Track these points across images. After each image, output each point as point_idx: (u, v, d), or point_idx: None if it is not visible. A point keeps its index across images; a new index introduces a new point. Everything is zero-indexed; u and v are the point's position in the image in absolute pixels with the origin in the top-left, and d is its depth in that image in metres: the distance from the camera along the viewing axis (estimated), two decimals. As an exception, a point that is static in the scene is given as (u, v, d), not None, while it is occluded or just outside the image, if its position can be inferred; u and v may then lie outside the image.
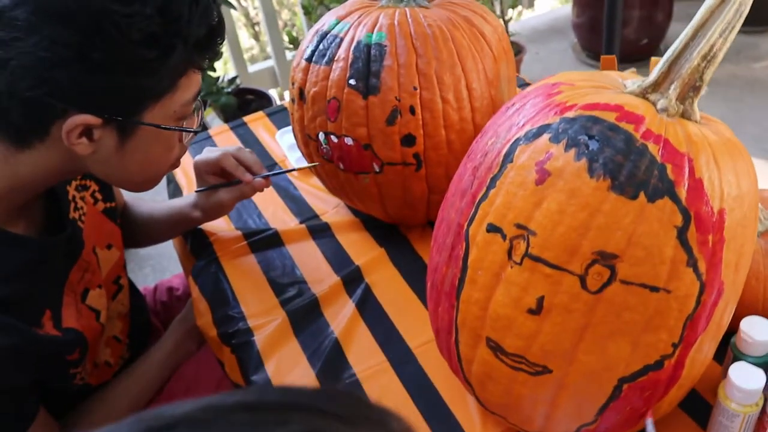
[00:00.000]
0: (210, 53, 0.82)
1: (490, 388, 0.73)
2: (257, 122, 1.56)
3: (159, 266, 2.32)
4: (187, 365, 1.14)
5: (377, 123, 0.99)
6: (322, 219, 1.23)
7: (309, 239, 1.19)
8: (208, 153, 1.10)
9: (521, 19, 3.73)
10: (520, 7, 3.50)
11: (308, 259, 1.15)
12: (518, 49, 2.95)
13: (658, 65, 0.68)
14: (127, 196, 1.23)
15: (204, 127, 1.65)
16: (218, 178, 1.10)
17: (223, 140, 1.50)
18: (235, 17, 2.93)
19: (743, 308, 0.79)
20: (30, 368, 0.84)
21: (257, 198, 1.29)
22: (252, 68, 2.99)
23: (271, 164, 1.40)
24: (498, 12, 2.86)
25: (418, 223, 1.17)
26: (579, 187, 0.62)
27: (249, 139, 1.50)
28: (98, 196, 1.05)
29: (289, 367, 0.97)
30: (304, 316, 1.04)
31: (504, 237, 0.66)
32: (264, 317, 1.05)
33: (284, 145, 1.44)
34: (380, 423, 0.35)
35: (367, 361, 0.96)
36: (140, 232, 1.22)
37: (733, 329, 0.77)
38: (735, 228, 0.63)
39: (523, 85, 1.55)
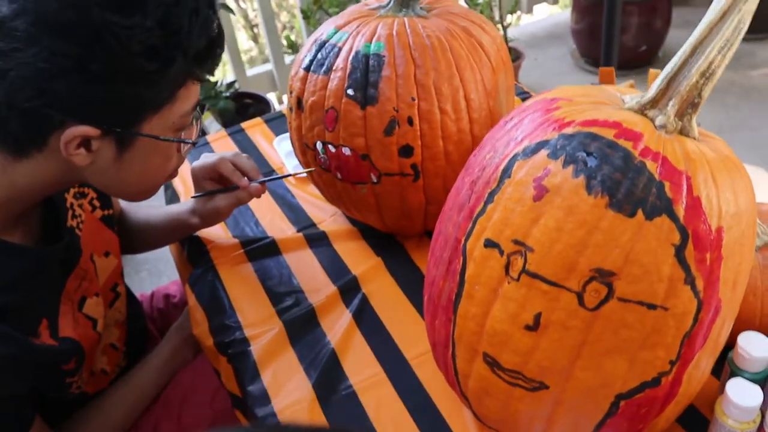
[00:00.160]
0: (210, 65, 0.82)
1: (486, 403, 0.73)
2: (255, 128, 1.56)
3: (155, 270, 2.32)
4: (184, 373, 1.14)
5: (375, 133, 0.99)
6: (320, 228, 1.23)
7: (306, 248, 1.19)
8: (205, 158, 1.10)
9: (520, 25, 3.74)
10: (519, 12, 3.51)
11: (305, 268, 1.15)
12: (517, 55, 2.95)
13: (656, 82, 0.68)
14: (124, 202, 1.23)
15: (203, 132, 1.65)
16: (215, 184, 1.10)
17: (221, 146, 1.50)
18: (233, 19, 2.93)
19: (740, 323, 0.79)
20: (26, 377, 0.84)
21: (255, 206, 1.29)
22: (250, 72, 2.99)
23: (269, 171, 1.40)
24: (497, 17, 2.86)
25: (416, 233, 1.17)
26: (577, 204, 0.62)
27: (246, 146, 1.50)
28: (96, 203, 1.05)
29: (286, 378, 0.97)
30: (301, 326, 1.04)
31: (501, 253, 0.66)
32: (260, 327, 1.05)
33: (282, 153, 1.43)
34: None
35: (363, 373, 0.96)
36: (137, 238, 1.22)
37: (730, 344, 0.77)
38: (733, 246, 0.63)
39: (522, 93, 1.55)
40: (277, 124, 1.56)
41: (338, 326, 1.03)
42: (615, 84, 1.35)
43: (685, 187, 0.62)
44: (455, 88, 1.00)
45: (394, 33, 1.00)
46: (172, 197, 1.40)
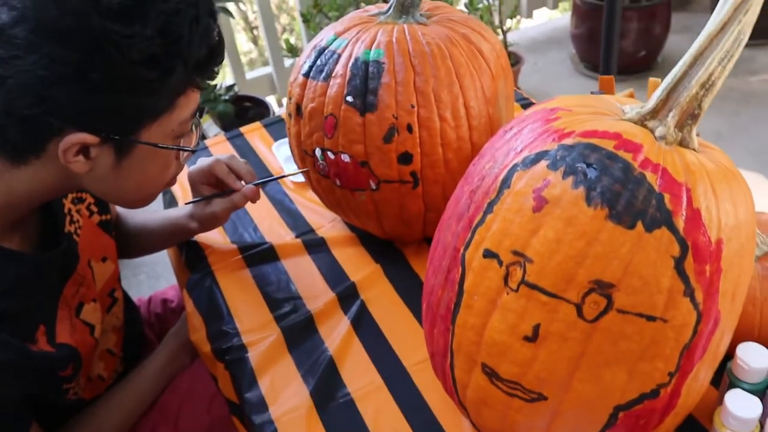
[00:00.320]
0: (210, 73, 0.81)
1: (485, 413, 0.73)
2: (254, 133, 1.56)
3: (153, 273, 2.31)
4: (181, 378, 1.13)
5: (374, 140, 0.99)
6: (318, 234, 1.23)
7: (305, 254, 1.19)
8: (201, 162, 1.10)
9: (520, 29, 3.74)
10: (518, 17, 3.51)
11: (303, 275, 1.15)
12: (516, 60, 2.95)
13: (656, 93, 0.68)
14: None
15: (202, 137, 1.65)
16: (212, 189, 1.10)
17: (220, 151, 1.50)
18: (233, 21, 2.93)
19: (739, 334, 0.79)
20: (24, 383, 0.84)
21: (253, 211, 1.29)
22: (250, 75, 2.99)
23: (267, 176, 1.39)
24: (497, 22, 2.86)
25: (415, 240, 1.17)
26: (576, 216, 0.62)
27: (245, 150, 1.50)
28: (94, 208, 1.04)
29: (283, 385, 0.96)
30: (299, 333, 1.04)
31: (500, 263, 0.66)
32: (258, 333, 1.04)
33: (280, 157, 1.43)
34: None
35: (361, 380, 0.96)
36: (133, 243, 1.22)
37: (729, 354, 0.77)
38: (732, 258, 0.63)
39: (522, 100, 1.54)
40: (276, 128, 1.56)
41: (336, 333, 1.03)
42: (615, 92, 1.35)
43: (684, 199, 0.62)
44: (455, 96, 0.99)
45: (394, 40, 1.00)
46: (171, 201, 1.39)
